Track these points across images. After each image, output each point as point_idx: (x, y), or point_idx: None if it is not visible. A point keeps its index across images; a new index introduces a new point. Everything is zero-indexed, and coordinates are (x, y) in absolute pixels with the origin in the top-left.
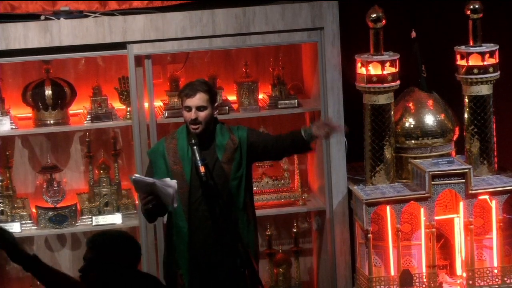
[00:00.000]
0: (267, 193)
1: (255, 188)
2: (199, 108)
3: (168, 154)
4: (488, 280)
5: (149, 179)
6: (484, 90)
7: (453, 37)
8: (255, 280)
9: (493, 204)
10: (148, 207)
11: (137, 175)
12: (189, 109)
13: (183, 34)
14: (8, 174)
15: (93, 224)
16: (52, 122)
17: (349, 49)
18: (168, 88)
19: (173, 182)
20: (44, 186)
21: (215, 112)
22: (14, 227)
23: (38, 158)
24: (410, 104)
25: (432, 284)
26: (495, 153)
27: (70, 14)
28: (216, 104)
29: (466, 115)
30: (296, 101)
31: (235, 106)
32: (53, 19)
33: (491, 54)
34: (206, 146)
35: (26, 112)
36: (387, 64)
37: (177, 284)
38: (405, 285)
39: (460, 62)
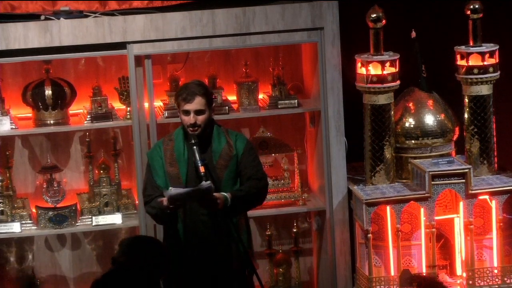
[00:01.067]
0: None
1: None
2: (198, 112)
3: (165, 156)
4: (488, 280)
5: (184, 190)
6: (484, 90)
7: (453, 37)
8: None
9: (493, 204)
10: (173, 209)
11: (172, 189)
12: (187, 113)
13: (183, 34)
14: (8, 174)
15: (93, 224)
16: (52, 122)
17: (349, 49)
18: (168, 88)
19: (208, 183)
20: (44, 186)
21: (212, 114)
22: (14, 227)
23: (38, 158)
24: (410, 104)
25: None
26: (495, 153)
27: (70, 14)
28: (213, 106)
29: (466, 115)
30: (296, 101)
31: (235, 106)
32: (53, 19)
33: (491, 54)
34: (203, 150)
35: (26, 112)
36: (387, 64)
37: (174, 285)
38: (405, 285)
39: (460, 62)
